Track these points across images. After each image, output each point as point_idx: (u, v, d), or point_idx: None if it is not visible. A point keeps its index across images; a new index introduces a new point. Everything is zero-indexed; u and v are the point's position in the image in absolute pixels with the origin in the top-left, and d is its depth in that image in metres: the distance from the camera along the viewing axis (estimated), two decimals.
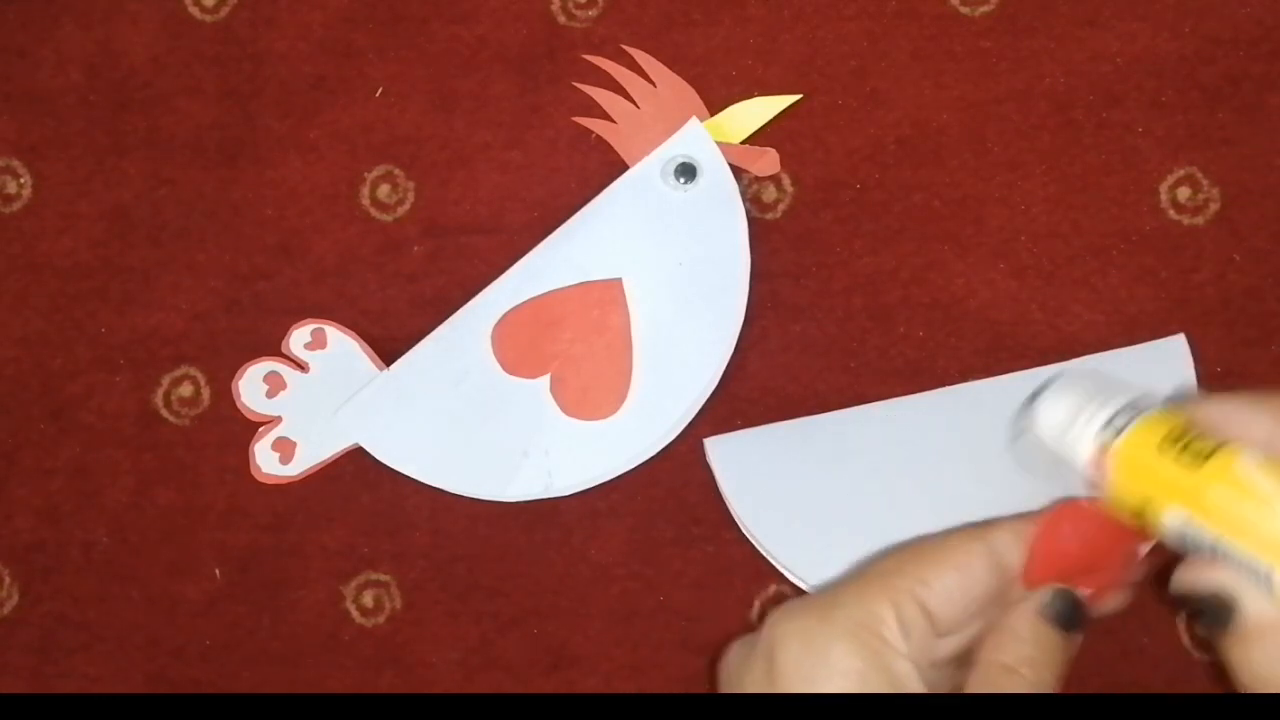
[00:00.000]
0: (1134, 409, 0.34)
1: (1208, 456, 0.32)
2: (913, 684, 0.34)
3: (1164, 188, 0.50)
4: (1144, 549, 0.39)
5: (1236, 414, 0.33)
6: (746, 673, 0.35)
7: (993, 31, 0.51)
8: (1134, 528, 0.36)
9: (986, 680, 0.35)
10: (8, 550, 0.52)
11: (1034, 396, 0.37)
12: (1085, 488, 0.36)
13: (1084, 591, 0.37)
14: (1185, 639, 0.48)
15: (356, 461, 0.51)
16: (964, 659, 0.37)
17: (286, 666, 0.51)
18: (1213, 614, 0.32)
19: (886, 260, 0.51)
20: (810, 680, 0.33)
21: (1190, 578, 0.33)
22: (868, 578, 0.35)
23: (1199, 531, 0.32)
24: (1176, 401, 0.34)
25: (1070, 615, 0.37)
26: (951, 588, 0.35)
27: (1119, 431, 0.34)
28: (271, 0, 0.53)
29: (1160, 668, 0.48)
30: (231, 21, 0.53)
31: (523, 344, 0.50)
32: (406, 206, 0.52)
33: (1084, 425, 0.35)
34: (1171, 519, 0.33)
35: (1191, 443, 0.32)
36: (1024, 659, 0.36)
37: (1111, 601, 0.39)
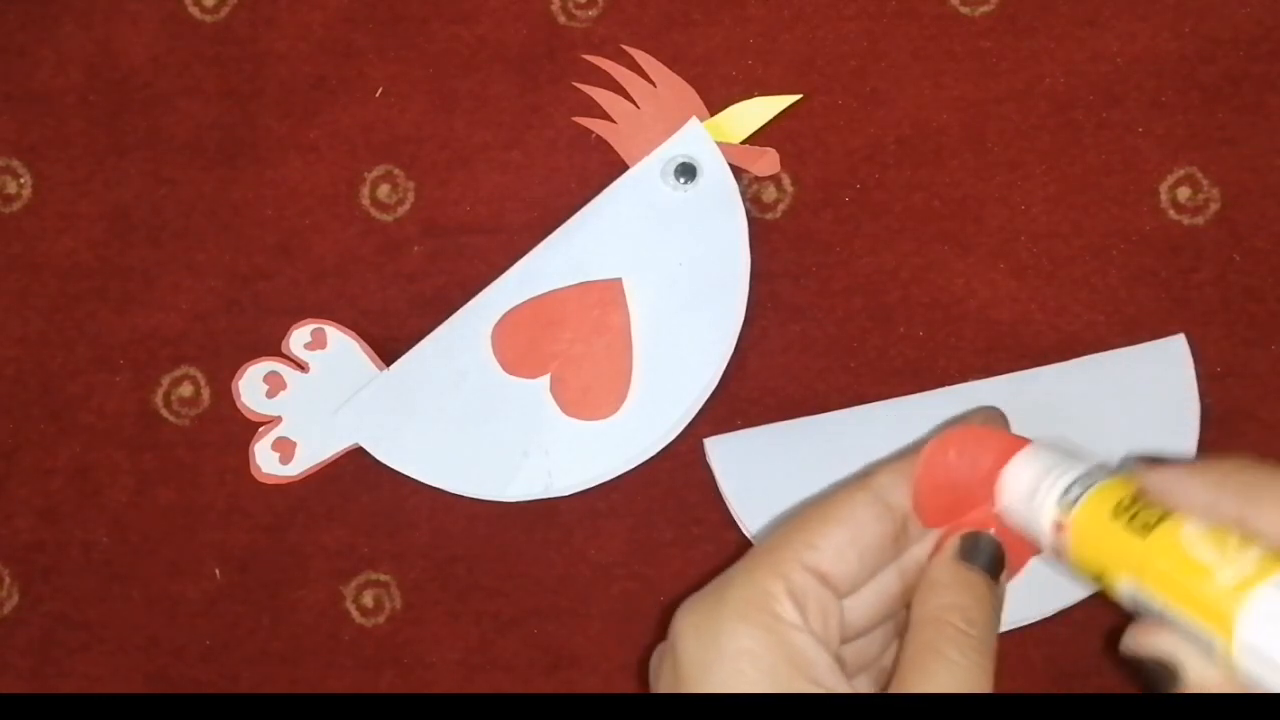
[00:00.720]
0: (1089, 479, 0.35)
1: (1153, 526, 0.33)
2: (815, 657, 0.32)
3: (1164, 188, 0.50)
4: None
5: (1181, 483, 0.33)
6: (661, 672, 0.35)
7: (993, 31, 0.51)
8: (1010, 444, 0.36)
9: (919, 639, 0.34)
10: (8, 550, 0.52)
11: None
12: (1050, 557, 0.36)
13: (993, 530, 0.37)
14: None
15: (356, 461, 0.51)
16: (895, 618, 0.37)
17: (286, 666, 0.51)
18: (1158, 678, 0.33)
19: (886, 260, 0.51)
20: (707, 671, 0.32)
21: (1137, 642, 0.33)
22: (756, 554, 0.34)
23: (1148, 599, 0.33)
24: (1128, 470, 0.35)
25: (987, 553, 0.36)
26: (841, 544, 0.34)
27: (1075, 502, 0.34)
28: (271, 0, 0.53)
29: None
30: (231, 21, 0.53)
31: (523, 344, 0.50)
32: (406, 206, 0.52)
33: (1044, 495, 0.35)
34: (1124, 587, 0.33)
35: (1139, 512, 0.33)
36: (950, 606, 0.35)
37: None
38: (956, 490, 0.36)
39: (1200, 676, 0.31)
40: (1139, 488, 0.33)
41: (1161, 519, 0.32)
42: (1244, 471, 0.32)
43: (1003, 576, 0.36)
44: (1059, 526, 0.35)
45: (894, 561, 0.36)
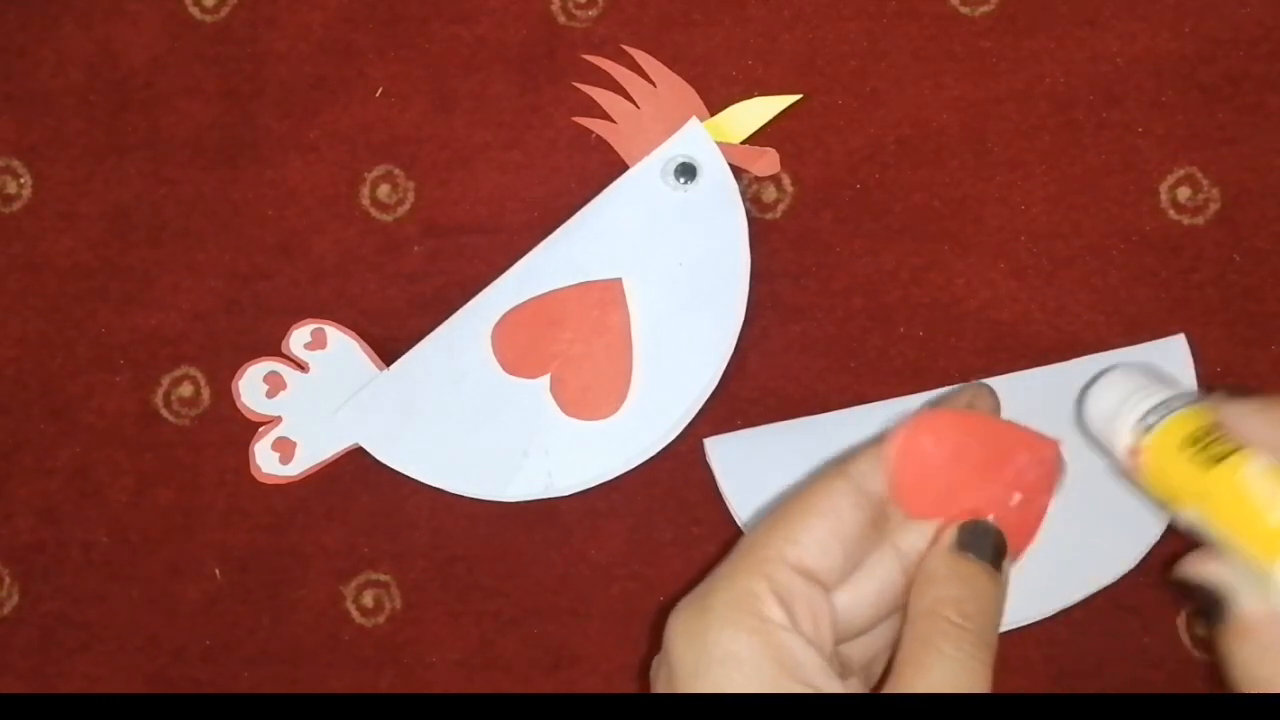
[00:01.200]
0: (1166, 407, 0.36)
1: (1221, 459, 0.34)
2: (804, 658, 0.32)
3: (1164, 188, 0.50)
4: (1057, 449, 0.37)
5: (1256, 417, 0.34)
6: (658, 677, 0.34)
7: (993, 31, 0.51)
8: (1021, 430, 0.36)
9: (913, 633, 0.34)
10: (8, 550, 0.52)
11: (1089, 383, 0.39)
12: (1128, 477, 0.37)
13: (992, 517, 0.36)
14: (1185, 639, 0.48)
15: (356, 461, 0.51)
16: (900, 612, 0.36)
17: (286, 666, 0.51)
18: (1210, 607, 0.33)
19: (886, 260, 0.51)
20: (697, 676, 0.32)
21: (1192, 570, 0.34)
22: (739, 551, 0.34)
23: (1208, 529, 0.34)
24: (1208, 400, 0.36)
25: (987, 542, 0.35)
26: (823, 537, 0.33)
27: (1149, 429, 0.36)
28: (271, 0, 0.53)
29: (1160, 668, 0.48)
30: (231, 21, 0.53)
31: (523, 344, 0.50)
32: (406, 206, 0.52)
33: (1123, 419, 0.36)
34: (1187, 516, 0.34)
35: (1210, 445, 0.34)
36: (944, 599, 0.34)
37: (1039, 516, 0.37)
38: (942, 478, 0.36)
39: (1251, 607, 0.32)
40: (1215, 419, 0.35)
41: (1230, 453, 0.34)
42: None
43: (1005, 563, 0.36)
44: (1134, 451, 0.36)
45: (883, 549, 0.35)
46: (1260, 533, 0.32)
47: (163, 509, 0.52)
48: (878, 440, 0.36)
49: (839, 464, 0.35)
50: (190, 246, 0.53)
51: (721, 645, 0.32)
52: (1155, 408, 0.36)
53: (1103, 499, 0.47)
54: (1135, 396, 0.37)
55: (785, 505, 0.34)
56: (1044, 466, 0.36)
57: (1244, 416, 0.34)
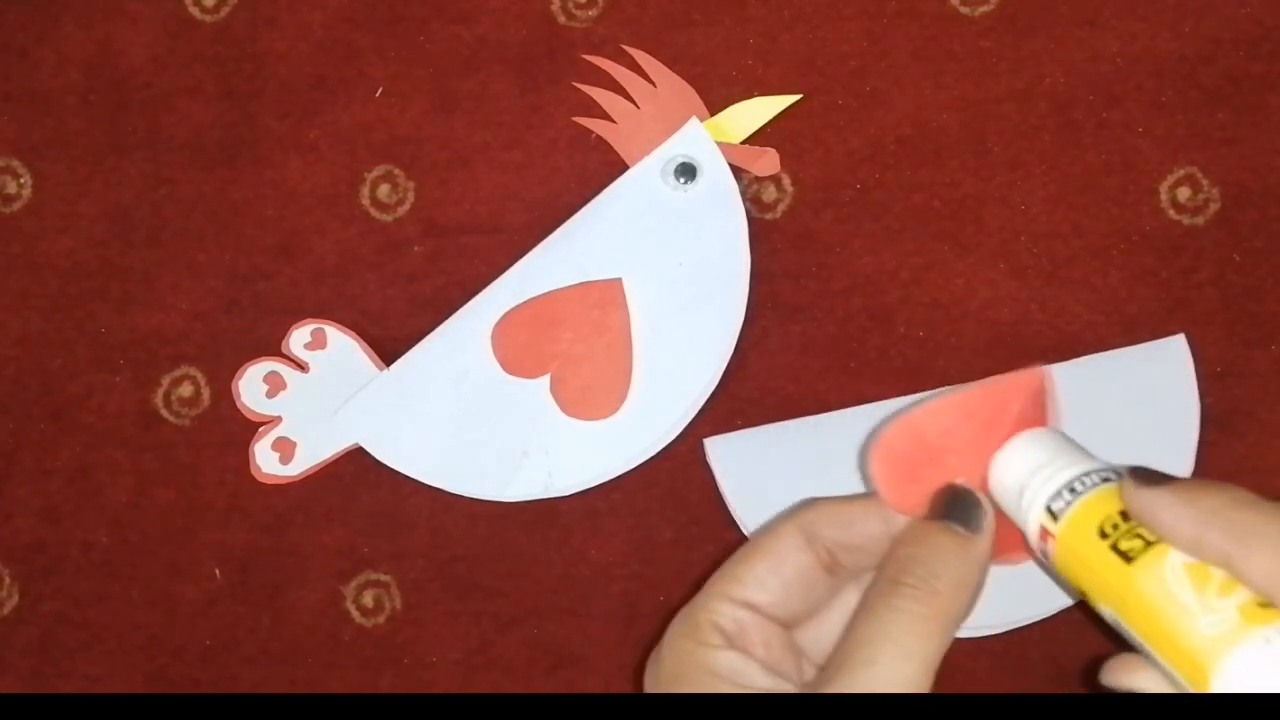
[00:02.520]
0: (1077, 488, 0.33)
1: (1137, 555, 0.31)
2: (742, 666, 0.35)
3: (1164, 188, 0.50)
4: (1041, 374, 0.36)
5: (1169, 509, 0.31)
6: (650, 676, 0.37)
7: (993, 31, 0.51)
8: (1004, 379, 0.35)
9: (868, 607, 0.34)
10: (8, 550, 0.52)
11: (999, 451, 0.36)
12: (1035, 556, 0.35)
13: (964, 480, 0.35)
14: None
15: (356, 461, 0.51)
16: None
17: (286, 666, 0.51)
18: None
19: (886, 260, 0.51)
20: (676, 682, 0.35)
21: (1116, 678, 0.33)
22: (701, 589, 0.37)
23: (1128, 630, 0.31)
24: (1118, 479, 0.33)
25: (954, 503, 0.35)
26: (761, 575, 0.36)
27: (1059, 513, 0.33)
28: (271, 0, 0.53)
29: None
30: (231, 21, 0.53)
31: (523, 344, 0.50)
32: (406, 206, 0.52)
33: (1031, 497, 0.34)
34: (1105, 613, 0.32)
35: (1124, 537, 0.32)
36: (893, 559, 0.34)
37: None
38: (928, 468, 0.35)
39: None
40: (1126, 508, 0.32)
41: (1146, 548, 0.31)
42: (1235, 508, 0.30)
43: (985, 524, 0.35)
44: (1045, 534, 0.33)
45: (848, 588, 0.37)
46: (1186, 645, 0.29)
47: (163, 509, 0.52)
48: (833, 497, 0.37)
49: (796, 507, 0.37)
50: (190, 246, 0.53)
51: (669, 670, 0.36)
52: (1066, 485, 0.33)
53: None
54: (1044, 472, 0.33)
55: (742, 546, 0.37)
56: (1037, 397, 0.35)
57: (1162, 506, 0.31)
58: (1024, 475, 0.34)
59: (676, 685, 0.35)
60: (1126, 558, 0.31)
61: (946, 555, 0.34)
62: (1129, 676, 0.32)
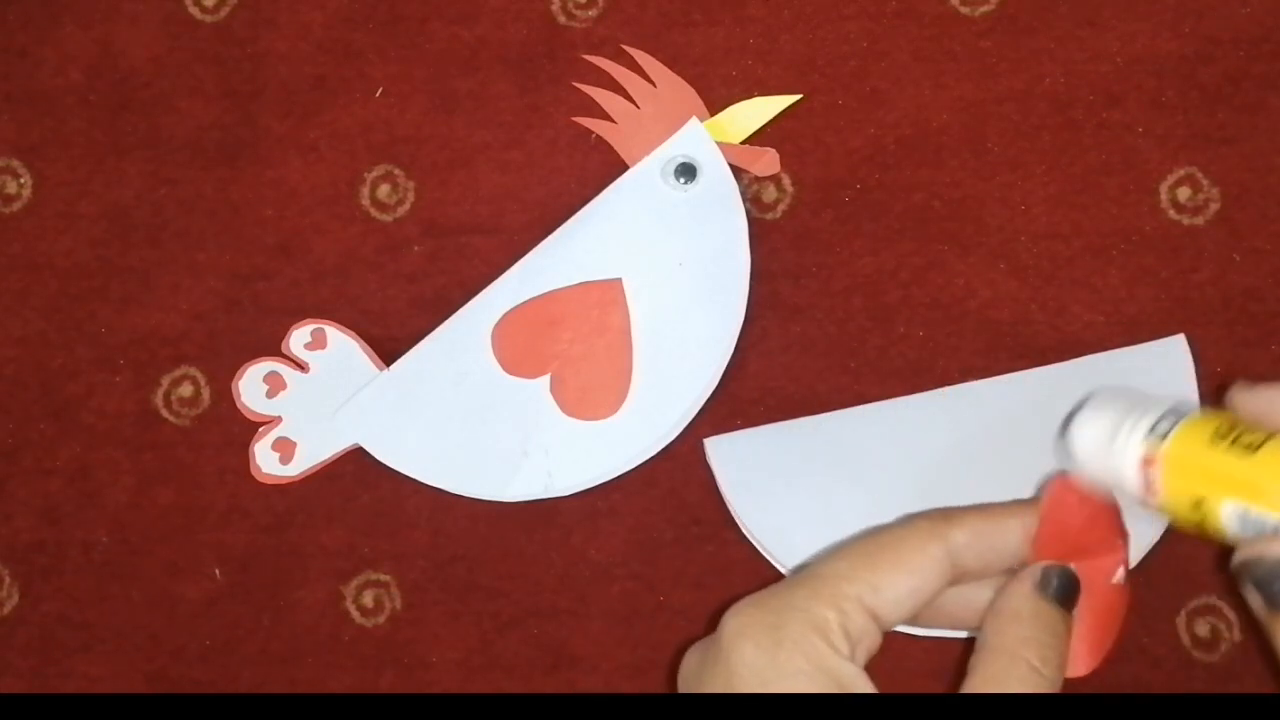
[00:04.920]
0: (1175, 414, 0.35)
1: (1258, 447, 0.33)
2: (860, 686, 0.34)
3: (1164, 188, 0.50)
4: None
5: (1276, 404, 0.34)
6: (707, 675, 0.36)
7: (993, 31, 0.51)
8: (1114, 504, 0.37)
9: (990, 668, 0.35)
10: (8, 550, 0.52)
11: (1066, 423, 0.38)
12: (1134, 502, 0.36)
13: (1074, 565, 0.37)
14: (1185, 639, 0.48)
15: (356, 461, 0.51)
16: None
17: (286, 666, 0.51)
18: (1270, 589, 0.33)
19: (886, 260, 0.51)
20: (765, 683, 0.34)
21: (1256, 550, 0.33)
22: (821, 578, 0.35)
23: (1260, 518, 0.33)
24: (1205, 410, 0.35)
25: (1063, 585, 0.36)
26: (902, 594, 0.35)
27: (1163, 437, 0.35)
28: (271, 0, 0.53)
29: (1160, 668, 0.48)
30: (231, 21, 0.53)
31: (523, 344, 0.50)
32: (406, 206, 0.52)
33: (1126, 438, 0.35)
34: (1229, 512, 0.34)
35: (1240, 436, 0.34)
36: (1028, 640, 0.35)
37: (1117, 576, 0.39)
38: (1074, 536, 0.37)
39: None
40: (1233, 415, 0.34)
41: (1266, 439, 0.33)
42: None
43: (1075, 611, 0.37)
44: (1148, 462, 0.35)
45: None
46: None
47: (163, 509, 0.52)
48: (976, 509, 0.37)
49: (938, 521, 0.36)
50: (190, 246, 0.53)
51: (794, 662, 0.34)
52: (1164, 416, 0.35)
53: None
54: (1135, 413, 0.36)
55: (876, 545, 0.36)
56: (1121, 535, 0.37)
57: (1269, 403, 0.34)
58: (1113, 423, 0.36)
59: (799, 679, 0.34)
60: (1250, 449, 0.33)
61: (1069, 647, 0.36)
62: (1266, 547, 0.33)
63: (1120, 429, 0.36)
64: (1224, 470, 0.33)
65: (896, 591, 0.35)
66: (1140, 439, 0.35)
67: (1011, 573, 0.37)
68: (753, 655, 0.34)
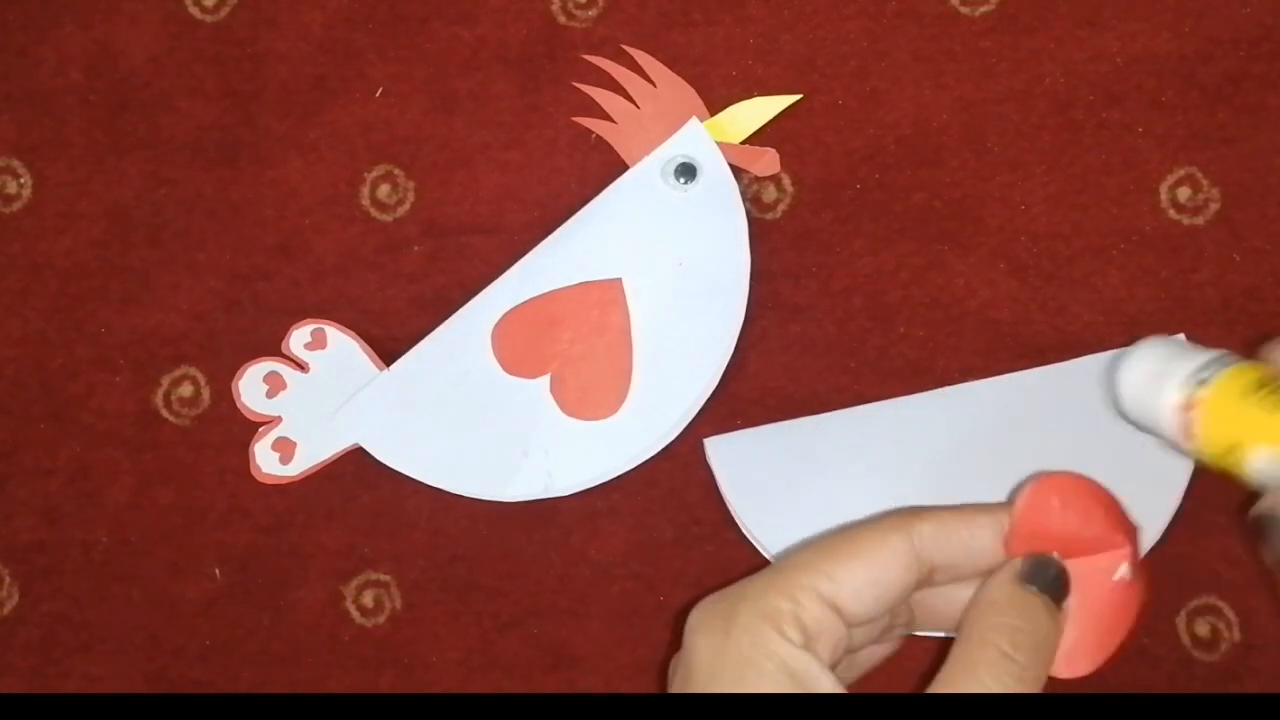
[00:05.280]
0: (1219, 363, 0.37)
1: None
2: (819, 675, 0.33)
3: (1164, 188, 0.50)
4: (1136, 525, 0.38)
5: None
6: (677, 674, 0.35)
7: (993, 31, 0.51)
8: (1113, 502, 0.37)
9: (962, 657, 0.34)
10: (8, 550, 0.52)
11: (1116, 361, 0.39)
12: (1172, 440, 0.37)
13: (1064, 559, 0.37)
14: (1185, 639, 0.48)
15: (356, 461, 0.51)
16: (894, 625, 0.37)
17: (286, 666, 0.51)
18: None
19: (886, 260, 0.51)
20: (713, 677, 0.33)
21: (1274, 501, 0.34)
22: (780, 570, 0.35)
23: None
24: (1244, 359, 0.37)
25: (1046, 575, 0.36)
26: (860, 583, 0.34)
27: (1204, 383, 0.36)
28: (271, 0, 0.53)
29: (1160, 668, 0.48)
30: (231, 21, 0.53)
31: (523, 344, 0.50)
32: (406, 206, 0.52)
33: (1170, 379, 0.37)
34: (1258, 459, 0.35)
35: (1277, 388, 0.35)
36: (999, 626, 0.34)
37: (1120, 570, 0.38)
38: (1058, 538, 0.36)
39: None
40: (1273, 369, 0.36)
41: None
42: None
43: (1066, 603, 0.36)
44: (1187, 405, 0.36)
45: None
46: None
47: (163, 509, 0.52)
48: (946, 507, 0.36)
49: (905, 515, 0.36)
50: (190, 246, 0.53)
51: (740, 651, 0.33)
52: (1208, 363, 0.37)
53: None
54: (1181, 357, 0.37)
55: (836, 540, 0.35)
56: (1139, 555, 0.37)
57: None
58: (1159, 364, 0.37)
59: (746, 669, 0.33)
60: None
61: (1052, 637, 0.35)
62: None
63: (1164, 374, 0.37)
64: (1257, 421, 0.35)
65: (854, 582, 0.34)
66: (1182, 384, 0.37)
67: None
68: (704, 647, 0.34)
